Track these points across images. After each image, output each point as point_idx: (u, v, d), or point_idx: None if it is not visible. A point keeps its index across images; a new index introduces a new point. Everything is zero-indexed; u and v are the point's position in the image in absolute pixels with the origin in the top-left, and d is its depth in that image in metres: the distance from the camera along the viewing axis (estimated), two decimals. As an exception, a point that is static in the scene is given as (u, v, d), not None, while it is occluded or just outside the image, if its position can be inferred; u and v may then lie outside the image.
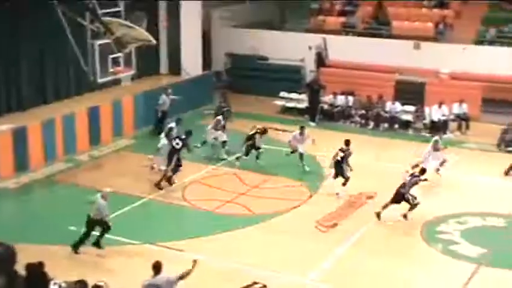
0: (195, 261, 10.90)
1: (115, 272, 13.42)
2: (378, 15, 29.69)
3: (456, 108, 24.40)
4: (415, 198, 16.15)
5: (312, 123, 24.75)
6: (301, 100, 26.60)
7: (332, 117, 25.46)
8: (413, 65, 26.94)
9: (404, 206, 16.18)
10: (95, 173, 19.47)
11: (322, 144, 20.01)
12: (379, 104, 25.18)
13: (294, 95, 27.12)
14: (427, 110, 24.64)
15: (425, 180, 16.74)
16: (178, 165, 18.29)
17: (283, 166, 19.72)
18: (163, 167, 18.44)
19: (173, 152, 18.21)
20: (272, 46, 29.16)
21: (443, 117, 24.09)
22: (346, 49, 28.16)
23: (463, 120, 24.37)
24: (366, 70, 27.60)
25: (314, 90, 25.95)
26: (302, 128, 20.13)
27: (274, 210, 16.95)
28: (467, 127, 24.25)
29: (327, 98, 26.05)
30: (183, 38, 26.60)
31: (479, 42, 27.39)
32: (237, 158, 19.98)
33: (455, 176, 18.84)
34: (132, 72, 21.87)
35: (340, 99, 25.93)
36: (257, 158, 19.93)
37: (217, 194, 17.89)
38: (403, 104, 25.14)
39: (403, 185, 16.18)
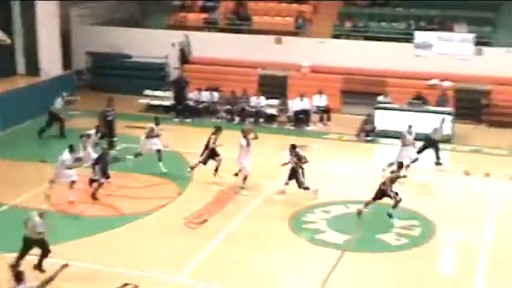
0: (63, 266, 10.58)
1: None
2: (239, 11, 30.05)
3: (317, 100, 25.23)
4: (397, 194, 16.22)
5: (176, 120, 24.78)
6: (166, 97, 26.46)
7: (198, 113, 25.51)
8: (276, 60, 27.56)
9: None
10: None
11: (189, 141, 20.00)
12: (244, 99, 25.53)
13: (158, 93, 26.92)
14: (290, 103, 25.29)
15: (405, 176, 16.83)
16: (105, 174, 17.65)
17: (150, 165, 19.50)
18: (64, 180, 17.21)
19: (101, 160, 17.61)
20: (134, 43, 28.79)
21: (306, 109, 24.84)
22: (209, 45, 28.32)
23: (324, 111, 25.23)
24: (230, 66, 27.91)
25: (181, 87, 25.90)
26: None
27: (143, 209, 16.76)
28: (329, 118, 25.13)
29: (191, 95, 26.09)
30: (40, 38, 25.80)
31: (336, 36, 28.43)
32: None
33: (318, 166, 19.44)
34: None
35: (205, 95, 26.05)
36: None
37: (84, 197, 17.42)
38: (267, 98, 25.64)
39: (384, 183, 16.34)
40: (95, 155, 17.95)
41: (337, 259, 14.34)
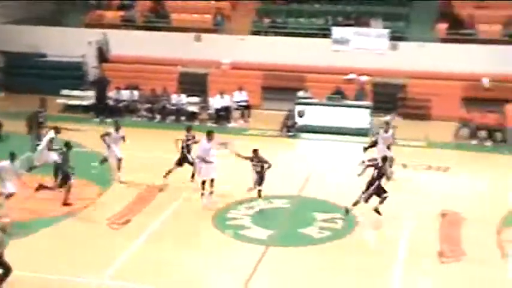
0: None
1: None
2: (157, 9, 29.78)
3: (237, 97, 25.31)
4: (385, 191, 16.03)
5: (97, 120, 24.36)
6: (85, 97, 25.95)
7: (118, 112, 25.14)
8: (196, 57, 27.50)
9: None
10: None
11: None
12: (164, 97, 25.34)
13: (77, 93, 26.37)
14: (211, 100, 25.27)
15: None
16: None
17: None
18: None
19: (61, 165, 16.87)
20: (51, 42, 28.18)
21: (226, 105, 24.88)
22: (128, 43, 27.99)
23: (245, 108, 25.34)
24: (149, 64, 27.65)
25: (102, 86, 25.46)
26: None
27: (64, 211, 16.38)
28: (249, 115, 25.25)
29: (111, 94, 25.71)
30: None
31: (255, 32, 28.58)
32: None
33: (241, 162, 19.47)
34: None
35: (125, 94, 25.72)
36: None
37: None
38: (188, 96, 25.54)
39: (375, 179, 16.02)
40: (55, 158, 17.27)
41: (261, 254, 14.42)
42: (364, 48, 26.79)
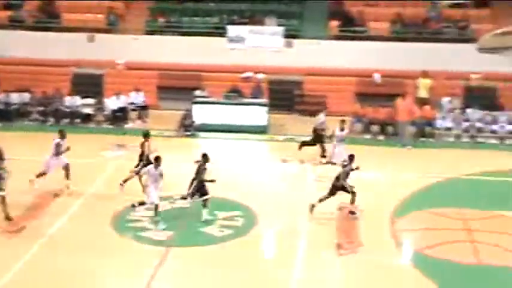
0: None
1: None
2: (47, 8, 28.86)
3: (133, 97, 24.98)
4: (352, 186, 16.13)
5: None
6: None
7: (8, 116, 24.20)
8: (90, 57, 26.87)
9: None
10: None
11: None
12: (57, 99, 24.64)
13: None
14: (106, 101, 24.80)
15: (357, 168, 16.39)
16: None
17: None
18: None
19: None
20: None
21: (122, 106, 24.50)
22: (17, 44, 26.98)
23: (142, 108, 25.03)
24: (40, 65, 26.79)
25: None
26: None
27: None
28: (146, 115, 24.97)
29: (0, 97, 24.75)
30: None
31: (150, 32, 28.26)
32: None
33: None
34: None
35: (15, 97, 24.83)
36: None
37: None
38: (82, 97, 24.95)
39: (337, 178, 16.09)
40: None
41: (162, 256, 14.27)
42: (260, 46, 27.03)
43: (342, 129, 19.88)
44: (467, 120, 23.84)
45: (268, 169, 20.04)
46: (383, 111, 23.91)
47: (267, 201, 16.95)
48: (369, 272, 13.76)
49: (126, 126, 24.11)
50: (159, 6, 29.41)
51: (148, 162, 16.76)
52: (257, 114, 23.80)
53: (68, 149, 17.51)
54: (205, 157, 16.14)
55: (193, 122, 23.55)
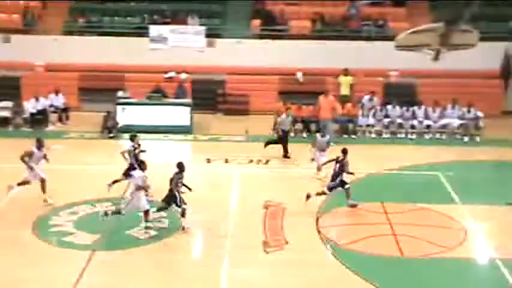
0: None
1: None
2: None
3: (53, 100, 24.49)
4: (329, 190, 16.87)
5: None
6: None
7: None
8: (5, 59, 26.13)
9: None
10: None
11: None
12: (-27, 103, 23.90)
13: None
14: (25, 104, 24.20)
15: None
16: None
17: None
18: None
19: None
20: None
21: (42, 109, 23.98)
22: None
23: (62, 111, 24.56)
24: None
25: None
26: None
27: None
28: (68, 117, 24.51)
29: None
30: None
31: (69, 32, 27.71)
32: None
33: (62, 167, 18.79)
34: None
35: None
36: None
37: None
38: (-1, 100, 24.29)
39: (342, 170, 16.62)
40: None
41: (87, 261, 14.03)
42: (182, 46, 26.91)
43: (323, 136, 19.45)
44: (387, 116, 24.42)
45: (192, 169, 19.94)
46: (306, 109, 24.20)
47: (192, 201, 16.87)
48: (295, 269, 13.90)
49: (46, 129, 23.57)
50: (78, 6, 28.85)
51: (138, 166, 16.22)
52: (181, 114, 23.71)
53: (46, 158, 16.80)
54: (180, 166, 15.78)
55: (116, 123, 23.24)
